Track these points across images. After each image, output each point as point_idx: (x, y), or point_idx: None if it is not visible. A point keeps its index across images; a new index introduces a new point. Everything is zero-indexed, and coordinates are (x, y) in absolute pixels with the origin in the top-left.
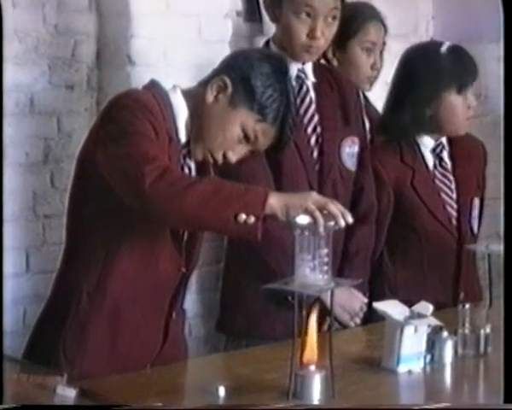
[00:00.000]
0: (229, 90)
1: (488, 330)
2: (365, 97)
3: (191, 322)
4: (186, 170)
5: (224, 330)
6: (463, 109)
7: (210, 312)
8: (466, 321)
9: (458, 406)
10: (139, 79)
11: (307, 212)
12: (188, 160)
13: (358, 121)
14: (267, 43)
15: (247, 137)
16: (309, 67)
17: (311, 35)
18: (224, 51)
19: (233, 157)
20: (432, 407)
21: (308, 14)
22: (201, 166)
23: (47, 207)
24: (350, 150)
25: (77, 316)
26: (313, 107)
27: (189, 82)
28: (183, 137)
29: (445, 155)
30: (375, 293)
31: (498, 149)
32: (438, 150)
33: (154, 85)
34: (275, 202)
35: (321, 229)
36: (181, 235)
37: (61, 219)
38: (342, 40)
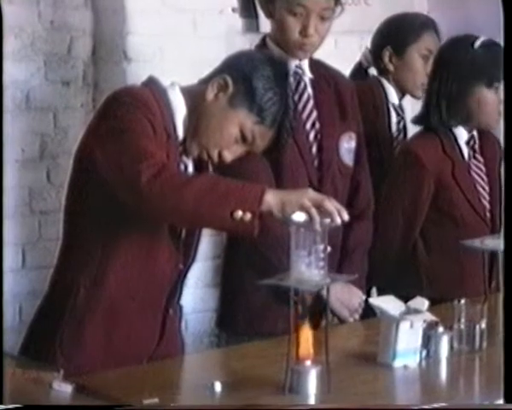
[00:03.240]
0: (230, 89)
1: (483, 325)
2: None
3: (188, 318)
4: (182, 167)
5: (224, 328)
6: (494, 103)
7: (207, 307)
8: (461, 316)
9: (458, 406)
10: (135, 75)
11: (303, 209)
12: (184, 157)
13: (355, 117)
14: (264, 39)
15: (243, 138)
16: (306, 64)
17: (304, 33)
18: (220, 47)
19: (228, 156)
20: (431, 407)
21: (301, 13)
22: (199, 164)
23: (43, 203)
24: (348, 146)
25: (73, 311)
26: (311, 103)
27: (185, 78)
28: (180, 134)
29: (477, 148)
30: (408, 283)
31: None
32: (471, 143)
33: (152, 82)
34: (271, 198)
35: (316, 226)
36: (179, 231)
37: (57, 215)
38: (400, 46)
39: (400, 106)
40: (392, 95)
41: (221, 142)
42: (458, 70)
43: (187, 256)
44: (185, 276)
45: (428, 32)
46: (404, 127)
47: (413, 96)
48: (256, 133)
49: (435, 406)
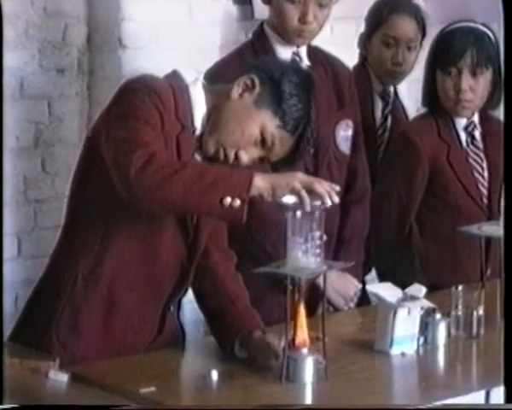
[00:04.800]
0: (257, 89)
1: (481, 311)
2: (396, 93)
3: (185, 307)
4: None
5: None
6: (452, 90)
7: None
8: (459, 303)
9: (458, 406)
10: (130, 62)
11: (293, 191)
12: (196, 154)
13: (352, 104)
14: (261, 25)
15: (263, 141)
16: (303, 51)
17: (303, 20)
18: (215, 34)
19: (244, 158)
20: (431, 407)
21: (299, 0)
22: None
23: (38, 192)
24: (344, 134)
25: (71, 299)
26: None
27: (181, 65)
28: (197, 129)
29: (477, 134)
30: (405, 268)
31: None
32: (470, 129)
33: (174, 75)
34: (260, 183)
35: (307, 208)
36: (188, 224)
37: (52, 203)
38: (369, 32)
39: (385, 91)
40: (375, 81)
41: (240, 141)
42: (428, 55)
43: (193, 253)
44: (189, 272)
45: (398, 16)
46: (391, 112)
47: (384, 82)
48: (276, 138)
49: (433, 405)
